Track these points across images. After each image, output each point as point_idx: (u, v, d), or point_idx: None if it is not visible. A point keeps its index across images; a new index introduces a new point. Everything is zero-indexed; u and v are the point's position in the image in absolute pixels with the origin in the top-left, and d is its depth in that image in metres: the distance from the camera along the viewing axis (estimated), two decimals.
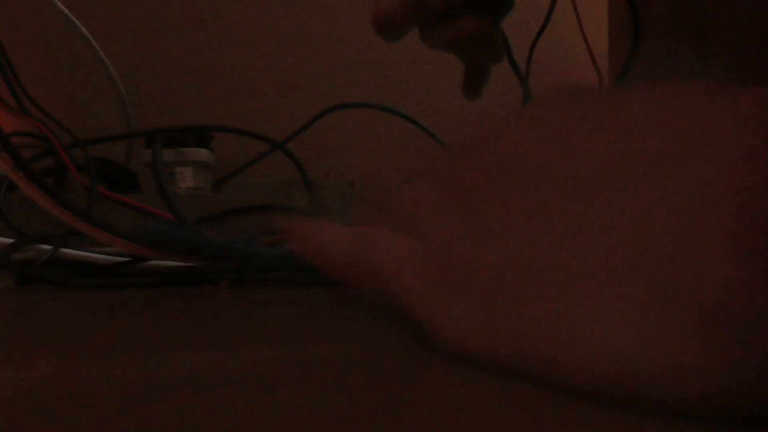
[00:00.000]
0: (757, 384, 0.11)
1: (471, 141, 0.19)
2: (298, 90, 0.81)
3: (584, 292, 0.13)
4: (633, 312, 0.12)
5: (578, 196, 0.14)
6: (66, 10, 0.57)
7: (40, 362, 0.16)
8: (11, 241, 0.38)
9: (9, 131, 0.46)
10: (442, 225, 0.18)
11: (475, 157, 0.18)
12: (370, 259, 0.19)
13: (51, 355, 0.17)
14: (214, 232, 0.46)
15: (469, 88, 0.44)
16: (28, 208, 0.41)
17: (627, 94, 0.16)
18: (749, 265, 0.11)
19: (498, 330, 0.14)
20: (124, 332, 0.21)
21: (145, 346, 0.18)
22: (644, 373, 0.12)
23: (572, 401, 0.12)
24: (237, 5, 0.80)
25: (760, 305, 0.11)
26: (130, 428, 0.11)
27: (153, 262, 0.37)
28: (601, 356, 0.12)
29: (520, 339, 0.14)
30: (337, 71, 0.82)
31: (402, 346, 0.18)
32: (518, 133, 0.18)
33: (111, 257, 0.38)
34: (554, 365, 0.13)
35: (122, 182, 0.58)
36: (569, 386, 0.13)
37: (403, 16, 0.38)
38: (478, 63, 0.43)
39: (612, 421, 0.11)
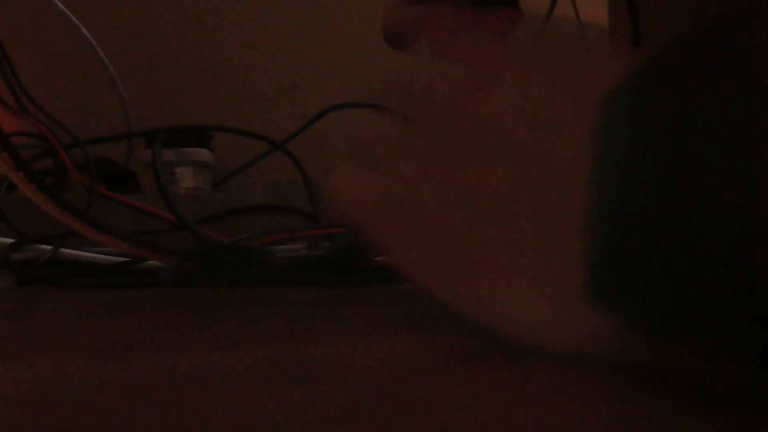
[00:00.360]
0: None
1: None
2: (298, 90, 0.81)
3: (506, 271, 0.17)
4: (535, 293, 0.17)
5: (502, 168, 0.18)
6: (66, 11, 0.57)
7: (40, 362, 0.16)
8: (11, 241, 0.38)
9: (9, 131, 0.46)
10: (409, 178, 0.20)
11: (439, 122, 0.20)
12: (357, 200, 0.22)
13: (51, 355, 0.17)
14: (214, 232, 0.46)
15: None
16: (28, 208, 0.41)
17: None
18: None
19: (447, 283, 0.19)
20: (124, 332, 0.21)
21: (145, 346, 0.18)
22: (542, 335, 0.17)
23: (572, 401, 0.12)
24: (237, 5, 0.80)
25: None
26: (129, 428, 0.11)
27: (153, 262, 0.37)
28: (513, 324, 0.17)
29: (464, 298, 0.19)
30: (337, 71, 0.82)
31: (402, 346, 0.18)
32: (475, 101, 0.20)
33: (111, 257, 0.38)
34: (483, 320, 0.18)
35: (122, 182, 0.58)
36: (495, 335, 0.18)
37: (413, 26, 0.38)
38: None
39: (613, 421, 0.11)
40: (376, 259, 0.40)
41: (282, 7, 0.81)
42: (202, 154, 0.58)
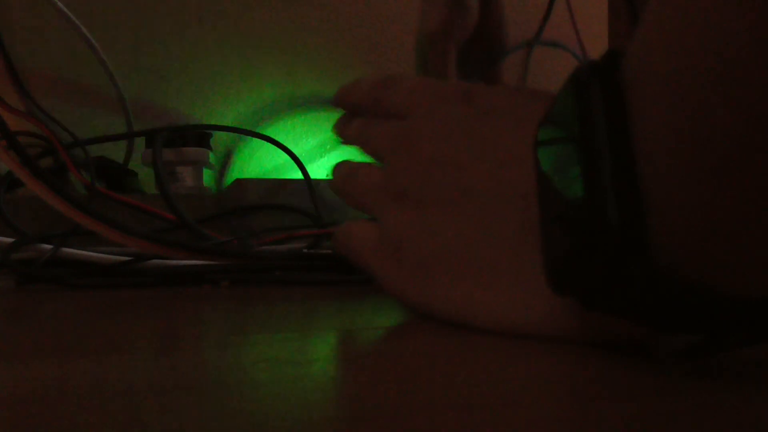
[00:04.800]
0: (580, 328, 0.18)
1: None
2: (298, 90, 0.81)
3: (487, 275, 0.20)
4: (507, 295, 0.20)
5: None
6: (66, 10, 0.57)
7: (40, 362, 0.16)
8: (11, 241, 0.38)
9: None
10: (392, 214, 0.24)
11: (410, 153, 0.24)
12: (350, 243, 0.26)
13: (51, 355, 0.17)
14: (214, 231, 0.46)
15: None
16: (28, 208, 0.41)
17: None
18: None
19: (430, 298, 0.22)
20: (124, 332, 0.21)
21: (145, 346, 0.18)
22: (517, 328, 0.19)
23: (574, 401, 0.13)
24: (237, 5, 0.80)
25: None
26: (129, 428, 0.11)
27: (153, 261, 0.37)
28: (488, 319, 0.20)
29: (445, 307, 0.21)
30: (337, 71, 0.82)
31: (402, 346, 0.18)
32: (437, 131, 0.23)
33: (112, 257, 0.38)
34: (464, 322, 0.21)
35: (122, 182, 0.58)
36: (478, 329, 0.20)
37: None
38: None
39: (615, 421, 0.11)
40: None
41: (282, 7, 0.81)
42: (203, 153, 0.58)
